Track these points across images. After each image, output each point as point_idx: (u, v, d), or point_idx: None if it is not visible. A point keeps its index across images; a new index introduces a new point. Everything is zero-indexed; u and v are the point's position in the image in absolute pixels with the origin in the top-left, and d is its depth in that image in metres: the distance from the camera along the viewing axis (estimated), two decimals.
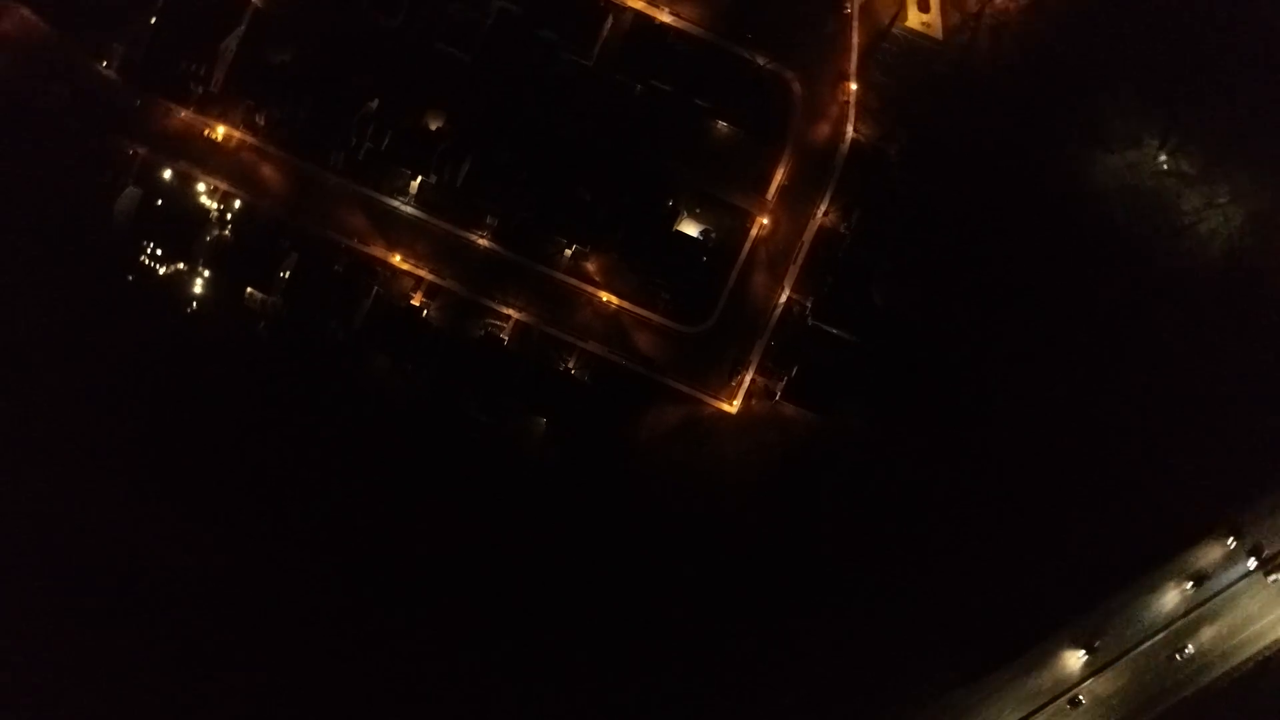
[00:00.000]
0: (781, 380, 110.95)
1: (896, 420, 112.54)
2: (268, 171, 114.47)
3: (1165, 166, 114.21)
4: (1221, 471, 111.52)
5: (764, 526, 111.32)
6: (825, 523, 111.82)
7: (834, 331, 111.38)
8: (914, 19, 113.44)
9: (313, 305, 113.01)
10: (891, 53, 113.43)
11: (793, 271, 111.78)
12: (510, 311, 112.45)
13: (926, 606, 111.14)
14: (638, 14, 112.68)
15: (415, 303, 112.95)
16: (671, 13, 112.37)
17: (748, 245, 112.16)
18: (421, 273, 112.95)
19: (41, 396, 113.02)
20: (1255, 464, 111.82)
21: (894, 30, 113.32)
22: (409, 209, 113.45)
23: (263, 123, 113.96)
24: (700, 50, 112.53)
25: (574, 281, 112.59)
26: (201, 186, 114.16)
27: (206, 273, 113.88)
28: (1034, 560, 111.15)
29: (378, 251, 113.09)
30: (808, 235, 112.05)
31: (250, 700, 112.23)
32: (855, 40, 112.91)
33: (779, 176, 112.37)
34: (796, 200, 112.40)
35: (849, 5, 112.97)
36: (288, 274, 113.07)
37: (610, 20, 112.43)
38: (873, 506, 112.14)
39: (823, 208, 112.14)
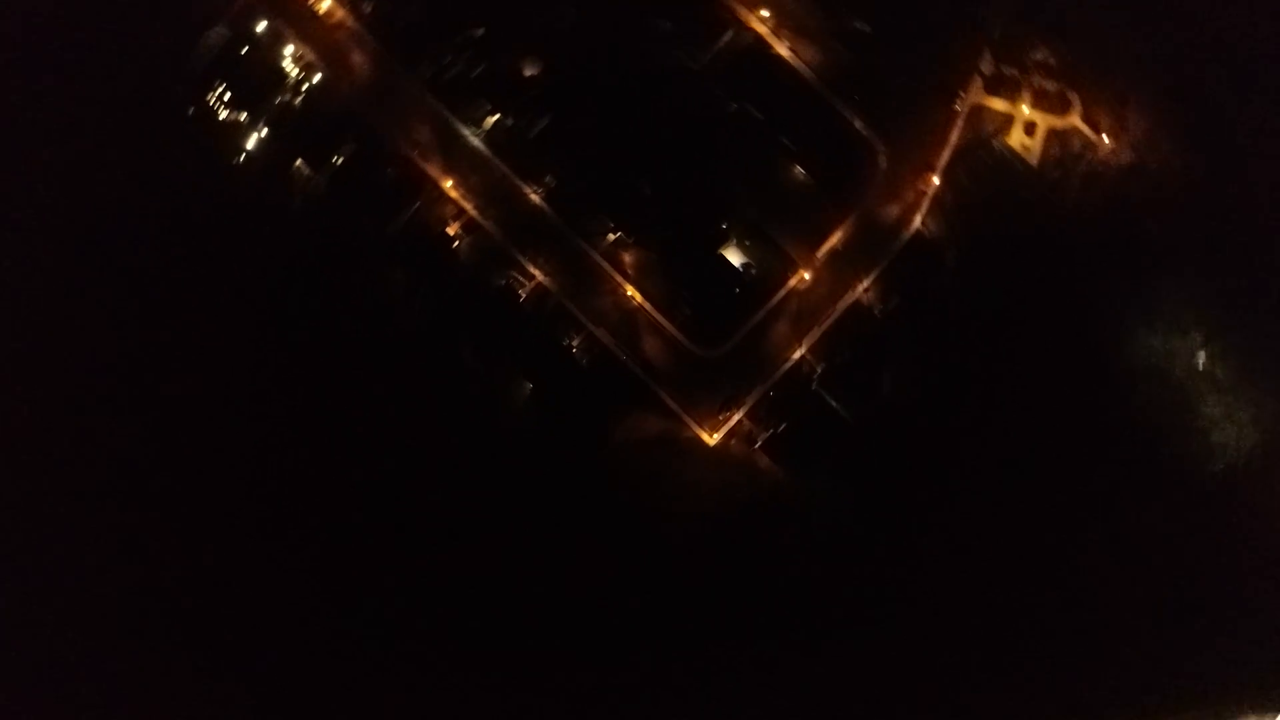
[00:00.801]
0: (767, 431, 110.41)
1: (860, 512, 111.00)
2: (357, 58, 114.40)
3: (1201, 365, 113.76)
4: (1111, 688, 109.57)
5: (703, 561, 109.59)
6: (757, 583, 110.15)
7: (833, 404, 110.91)
8: (1016, 138, 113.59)
9: (353, 198, 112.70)
10: (983, 162, 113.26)
11: (815, 333, 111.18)
12: (536, 272, 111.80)
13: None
14: (758, 38, 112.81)
15: (450, 231, 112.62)
16: (791, 49, 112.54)
17: (782, 292, 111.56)
18: (466, 206, 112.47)
19: (55, 199, 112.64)
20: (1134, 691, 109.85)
21: (993, 142, 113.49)
22: (476, 142, 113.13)
23: (368, 11, 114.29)
24: (804, 94, 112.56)
25: (606, 266, 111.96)
26: (289, 50, 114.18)
27: (264, 132, 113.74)
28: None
29: (432, 170, 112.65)
30: (841, 304, 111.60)
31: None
32: (953, 138, 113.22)
33: (834, 239, 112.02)
34: (843, 267, 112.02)
35: (960, 104, 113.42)
36: (340, 160, 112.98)
37: (730, 34, 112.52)
38: (798, 590, 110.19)
39: (865, 284, 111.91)
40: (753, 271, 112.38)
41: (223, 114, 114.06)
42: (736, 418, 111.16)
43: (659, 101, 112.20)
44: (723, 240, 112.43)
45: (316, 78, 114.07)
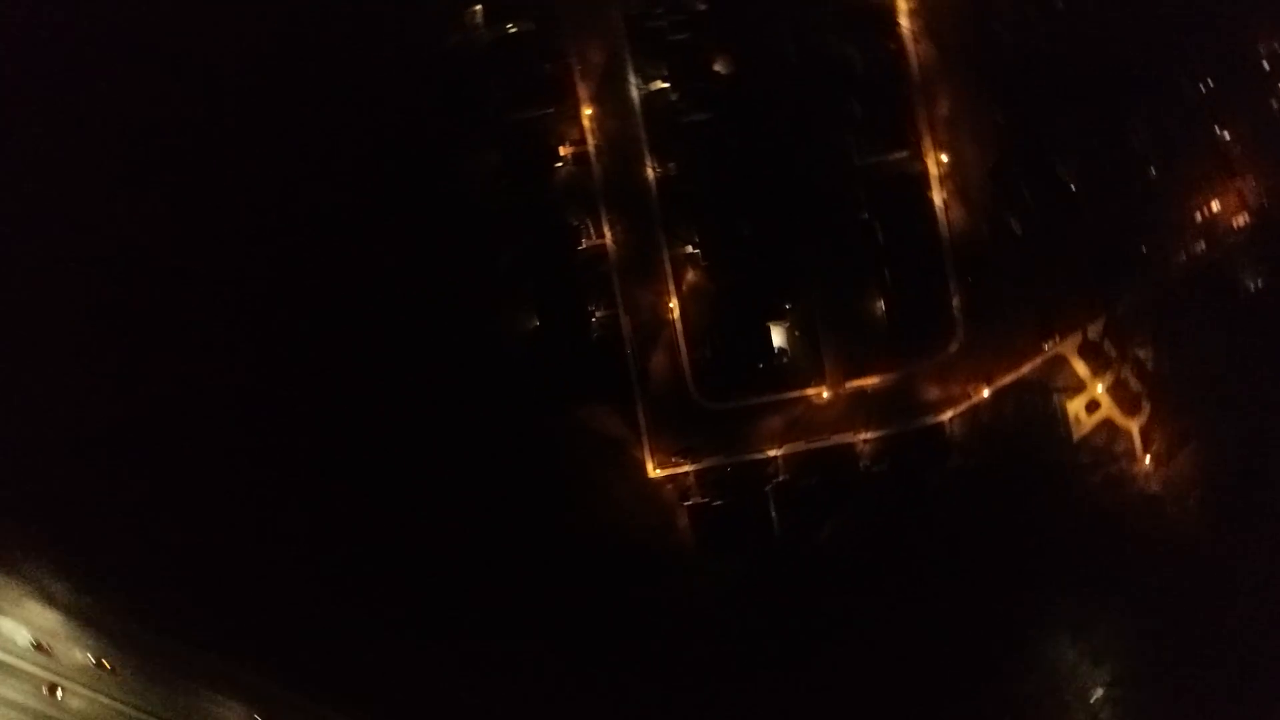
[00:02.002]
0: (703, 498, 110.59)
1: (737, 623, 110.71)
2: None
3: (1093, 699, 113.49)
4: None
5: (584, 570, 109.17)
6: (627, 619, 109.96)
7: (772, 514, 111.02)
8: (1075, 406, 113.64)
9: (501, 72, 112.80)
10: (1034, 406, 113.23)
11: (798, 445, 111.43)
12: (607, 234, 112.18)
13: None
14: (924, 175, 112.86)
15: (560, 151, 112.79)
16: (945, 202, 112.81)
17: (795, 393, 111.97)
18: (590, 139, 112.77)
19: None
20: None
21: (1054, 396, 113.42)
22: (634, 94, 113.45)
23: None
24: (929, 246, 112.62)
25: (668, 269, 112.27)
26: None
27: None
28: None
29: (582, 92, 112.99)
30: (836, 438, 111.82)
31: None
32: (1023, 369, 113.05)
33: (870, 381, 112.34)
34: (859, 409, 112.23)
35: (1049, 347, 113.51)
36: (512, 30, 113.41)
37: (904, 155, 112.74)
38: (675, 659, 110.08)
39: (867, 436, 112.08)
40: (784, 359, 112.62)
41: None
42: (685, 469, 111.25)
43: (805, 169, 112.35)
44: (777, 317, 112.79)
45: None
